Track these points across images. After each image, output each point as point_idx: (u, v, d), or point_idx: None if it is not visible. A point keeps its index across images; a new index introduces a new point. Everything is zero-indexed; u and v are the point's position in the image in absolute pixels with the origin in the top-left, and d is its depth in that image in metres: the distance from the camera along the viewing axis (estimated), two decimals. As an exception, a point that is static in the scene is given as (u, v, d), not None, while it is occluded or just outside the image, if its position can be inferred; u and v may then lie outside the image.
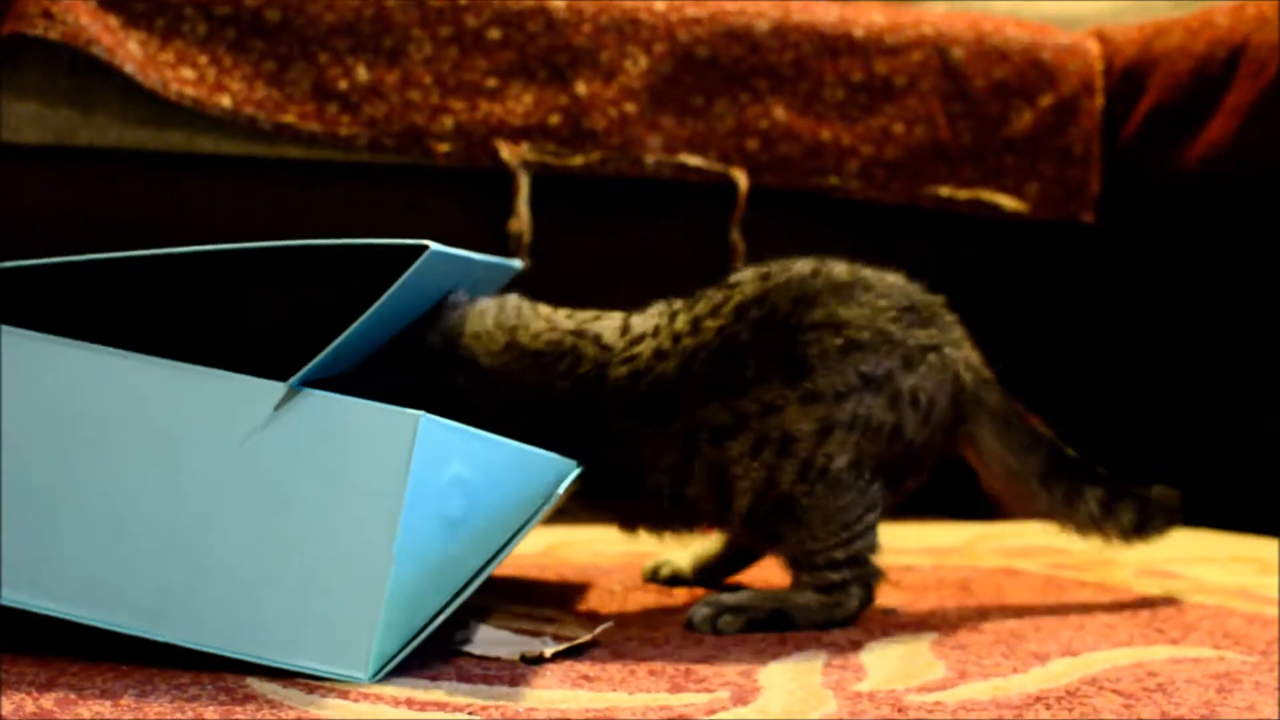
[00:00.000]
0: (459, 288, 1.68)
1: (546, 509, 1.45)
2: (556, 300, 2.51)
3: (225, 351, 1.43)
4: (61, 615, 1.38)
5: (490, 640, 1.51)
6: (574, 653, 1.47)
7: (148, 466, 1.38)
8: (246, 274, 1.48)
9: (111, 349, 1.39)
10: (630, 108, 2.51)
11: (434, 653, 1.45)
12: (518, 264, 1.85)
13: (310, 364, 1.35)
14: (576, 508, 1.72)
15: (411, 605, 1.38)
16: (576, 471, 1.44)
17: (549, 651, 1.44)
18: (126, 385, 1.38)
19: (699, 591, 1.83)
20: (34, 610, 1.38)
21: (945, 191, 2.71)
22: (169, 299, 1.52)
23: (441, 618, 1.40)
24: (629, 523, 1.72)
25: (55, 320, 1.44)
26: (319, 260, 1.43)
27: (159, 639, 1.37)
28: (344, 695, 1.30)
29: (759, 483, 1.60)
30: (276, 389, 1.37)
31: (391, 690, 1.32)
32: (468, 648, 1.47)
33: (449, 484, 1.39)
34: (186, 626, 1.37)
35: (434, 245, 1.36)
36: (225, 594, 1.37)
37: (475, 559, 1.42)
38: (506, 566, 1.84)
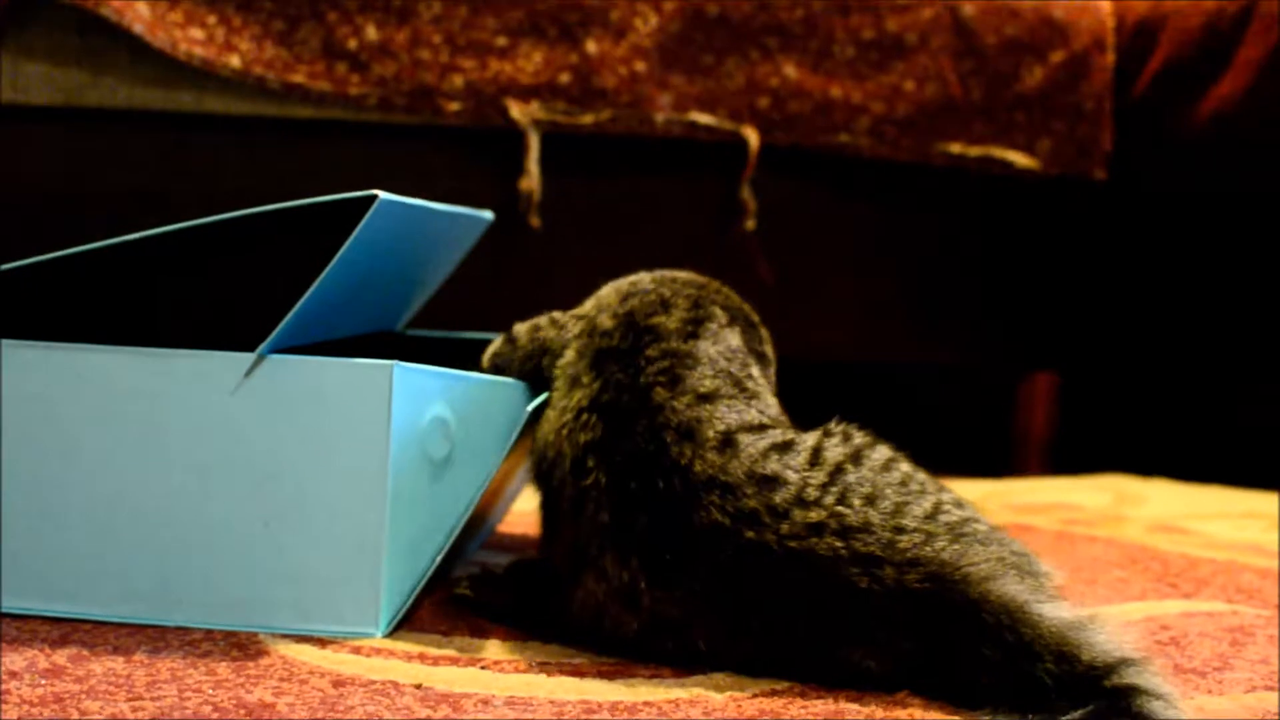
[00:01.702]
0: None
1: (515, 434, 1.44)
2: (566, 259, 2.52)
3: (203, 330, 1.43)
4: (67, 615, 1.38)
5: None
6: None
7: (133, 456, 1.38)
8: (212, 248, 1.48)
9: (82, 345, 1.39)
10: (640, 66, 2.51)
11: (447, 606, 1.46)
12: (488, 215, 1.84)
13: (276, 330, 1.35)
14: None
15: (411, 552, 1.38)
16: (544, 396, 1.43)
17: None
18: (100, 379, 1.38)
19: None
20: (38, 615, 1.38)
21: (956, 149, 2.70)
22: (136, 284, 1.52)
23: (439, 558, 1.40)
24: None
25: (19, 321, 1.44)
26: (282, 225, 1.43)
27: (168, 624, 1.37)
28: (357, 650, 1.30)
29: None
30: (247, 359, 1.37)
31: (404, 645, 1.32)
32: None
33: (430, 426, 1.39)
34: (194, 608, 1.37)
35: (383, 195, 1.35)
36: (228, 570, 1.37)
37: (463, 496, 1.42)
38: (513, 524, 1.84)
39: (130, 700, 1.12)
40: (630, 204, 2.59)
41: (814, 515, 1.21)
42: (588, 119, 2.49)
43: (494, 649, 1.31)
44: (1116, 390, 2.95)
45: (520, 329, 1.52)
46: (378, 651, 1.30)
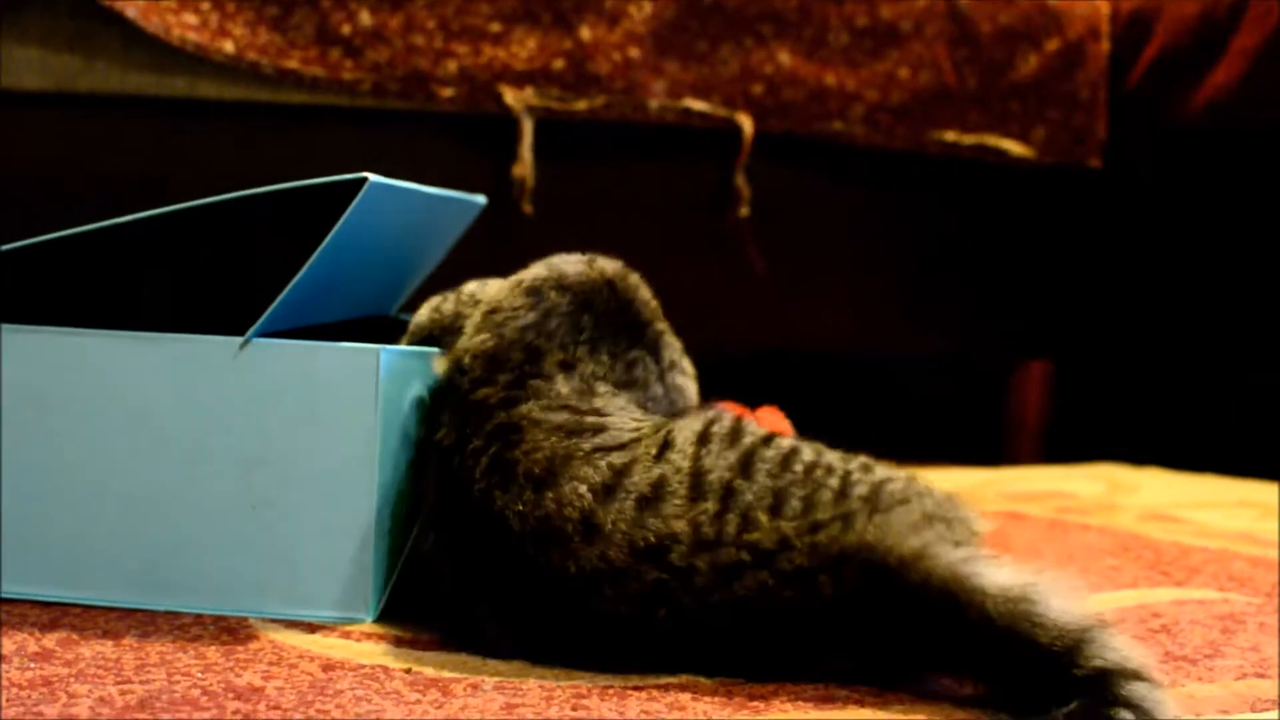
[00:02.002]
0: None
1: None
2: (559, 245, 2.51)
3: (194, 313, 1.43)
4: (58, 600, 1.38)
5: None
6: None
7: (122, 440, 1.38)
8: (203, 231, 1.47)
9: (70, 329, 1.39)
10: (634, 52, 2.50)
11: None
12: (480, 199, 1.83)
13: (265, 313, 1.35)
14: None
15: (394, 535, 1.38)
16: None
17: None
18: (89, 362, 1.38)
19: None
20: (30, 599, 1.38)
21: (951, 137, 2.70)
22: (126, 267, 1.52)
23: (413, 535, 1.40)
24: None
25: (8, 304, 1.44)
26: (274, 209, 1.42)
27: (158, 609, 1.37)
28: (346, 635, 1.30)
29: None
30: (235, 343, 1.36)
31: (394, 630, 1.32)
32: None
33: (410, 408, 1.39)
34: (184, 592, 1.37)
35: (373, 177, 1.35)
36: (217, 554, 1.37)
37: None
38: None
39: (119, 684, 1.12)
40: (623, 191, 2.59)
41: (724, 556, 1.15)
42: (581, 105, 2.49)
43: (516, 641, 1.31)
44: (1110, 379, 2.95)
45: (432, 307, 1.49)
46: (367, 636, 1.30)
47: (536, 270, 1.44)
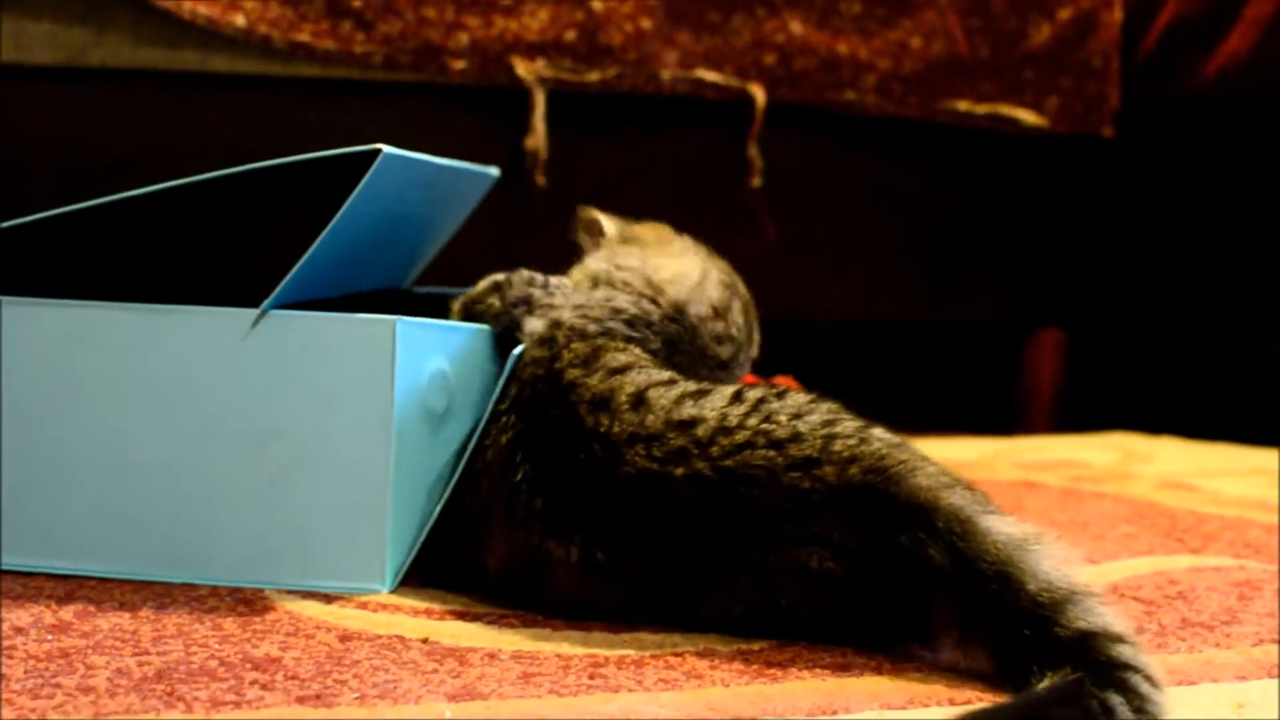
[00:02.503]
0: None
1: (503, 381, 1.43)
2: (572, 217, 2.51)
3: (209, 286, 1.43)
4: (74, 572, 1.38)
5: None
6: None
7: (138, 413, 1.38)
8: (217, 204, 1.47)
9: (86, 302, 1.39)
10: (646, 23, 2.50)
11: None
12: (494, 171, 1.83)
13: (280, 285, 1.35)
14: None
15: (414, 507, 1.38)
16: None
17: None
18: (105, 336, 1.38)
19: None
20: (46, 572, 1.38)
21: (963, 106, 2.69)
22: (140, 240, 1.52)
23: (437, 510, 1.40)
24: None
25: (23, 277, 1.44)
26: (288, 181, 1.42)
27: (175, 581, 1.37)
28: (363, 606, 1.30)
29: None
30: (250, 316, 1.36)
31: (410, 601, 1.32)
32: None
33: (430, 380, 1.39)
34: (199, 564, 1.37)
35: (387, 149, 1.34)
36: (233, 526, 1.37)
37: (457, 448, 1.42)
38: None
39: (136, 655, 1.12)
40: (636, 162, 2.58)
41: (740, 436, 1.22)
42: (594, 77, 2.48)
43: (500, 604, 1.31)
44: (1123, 349, 2.94)
45: (512, 282, 1.50)
46: (384, 607, 1.30)
47: (622, 302, 1.48)
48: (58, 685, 1.03)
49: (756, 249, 2.64)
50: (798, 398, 1.27)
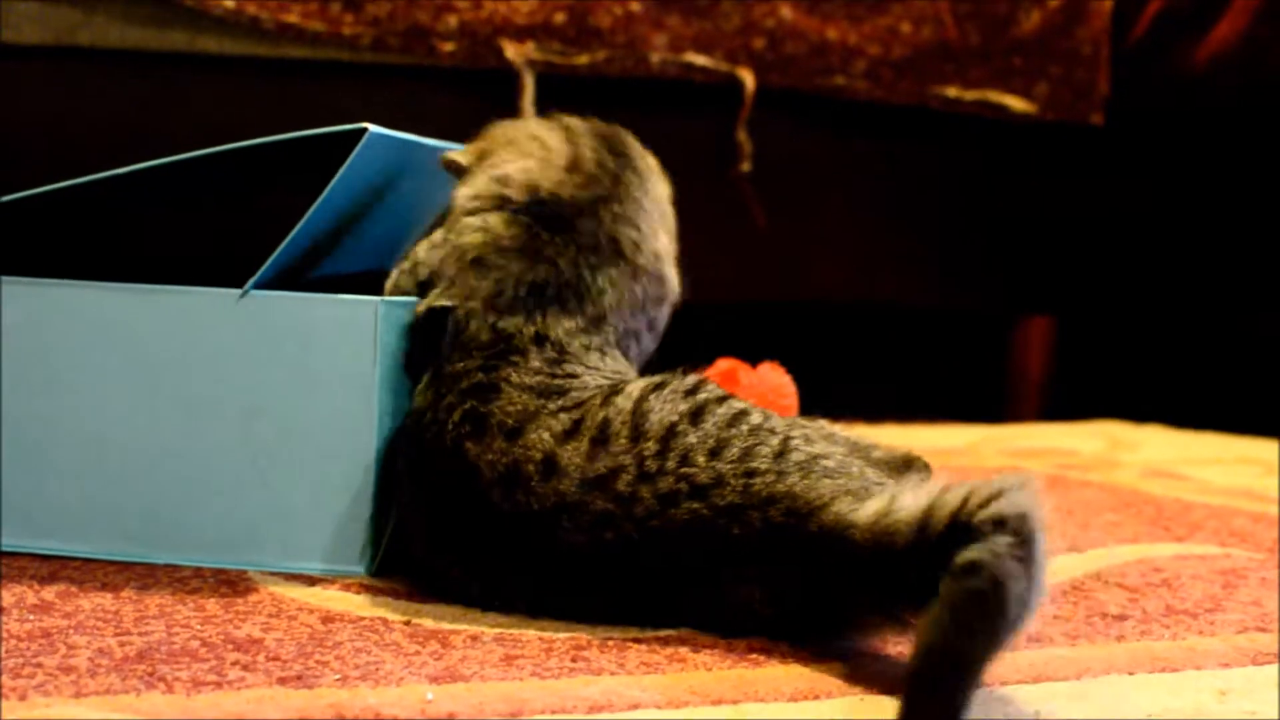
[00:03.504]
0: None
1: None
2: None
3: (193, 265, 1.43)
4: (57, 553, 1.38)
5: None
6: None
7: (121, 393, 1.38)
8: (203, 183, 1.47)
9: (69, 280, 1.39)
10: (635, 6, 2.49)
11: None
12: None
13: (264, 266, 1.35)
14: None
15: (391, 488, 1.38)
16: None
17: None
18: (88, 315, 1.38)
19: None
20: (29, 552, 1.38)
21: (953, 92, 2.69)
22: (125, 219, 1.51)
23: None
24: None
25: (5, 255, 1.43)
26: (274, 161, 1.42)
27: (157, 561, 1.37)
28: (346, 587, 1.30)
29: None
30: (233, 296, 1.36)
31: (393, 583, 1.32)
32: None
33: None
34: (182, 545, 1.37)
35: (373, 128, 1.34)
36: (216, 508, 1.37)
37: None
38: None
39: (118, 635, 1.12)
40: (625, 145, 2.58)
41: (663, 485, 1.18)
42: (583, 60, 2.48)
43: (483, 587, 1.31)
44: (1111, 336, 2.95)
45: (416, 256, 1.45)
46: (366, 589, 1.30)
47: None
48: (39, 665, 1.03)
49: (745, 234, 2.64)
50: (717, 414, 1.22)
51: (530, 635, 1.17)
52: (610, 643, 1.15)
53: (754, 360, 1.68)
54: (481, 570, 1.25)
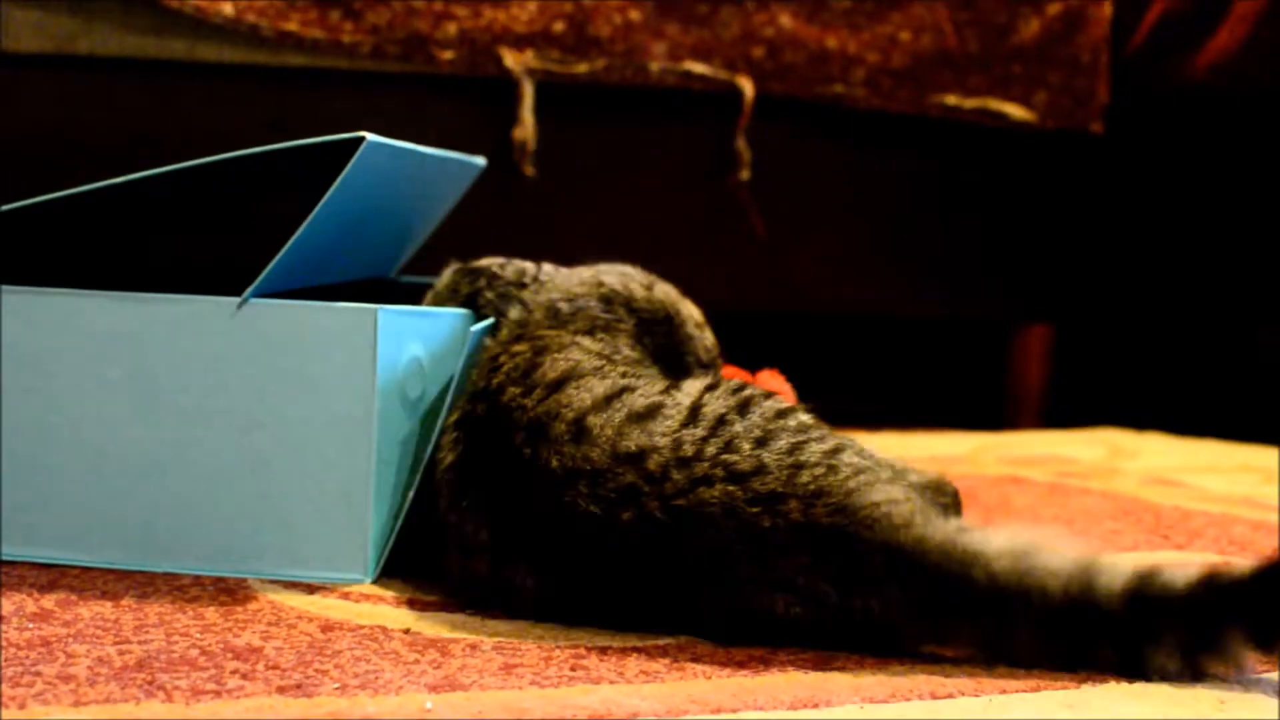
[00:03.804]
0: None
1: (463, 361, 1.43)
2: (560, 208, 2.51)
3: (192, 274, 1.43)
4: (56, 561, 1.38)
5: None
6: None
7: (120, 401, 1.38)
8: (202, 192, 1.47)
9: (68, 289, 1.39)
10: (635, 15, 2.49)
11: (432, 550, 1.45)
12: (480, 161, 1.83)
13: (262, 275, 1.35)
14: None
15: (392, 494, 1.38)
16: (489, 321, 1.44)
17: None
18: (87, 324, 1.38)
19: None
20: (28, 560, 1.38)
21: (952, 100, 2.69)
22: (124, 228, 1.51)
23: (410, 496, 1.40)
24: None
25: (5, 265, 1.43)
26: (273, 169, 1.42)
27: (157, 570, 1.37)
28: (345, 596, 1.30)
29: None
30: (232, 304, 1.36)
31: (392, 591, 1.32)
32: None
33: (407, 367, 1.39)
34: (182, 554, 1.37)
35: (371, 137, 1.34)
36: (215, 516, 1.37)
37: (429, 432, 1.41)
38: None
39: (117, 644, 1.12)
40: (624, 153, 2.58)
41: (699, 469, 1.17)
42: (582, 68, 2.48)
43: (482, 596, 1.31)
44: (1110, 344, 2.94)
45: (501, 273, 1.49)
46: (366, 597, 1.30)
47: (610, 279, 1.48)
48: (38, 673, 1.03)
49: (744, 242, 2.64)
50: (765, 408, 1.22)
51: (529, 644, 1.17)
52: (609, 651, 1.15)
53: (753, 368, 1.68)
54: (497, 524, 1.24)
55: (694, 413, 1.21)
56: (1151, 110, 2.79)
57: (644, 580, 1.19)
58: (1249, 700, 1.08)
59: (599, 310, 1.42)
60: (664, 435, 1.19)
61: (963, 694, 1.07)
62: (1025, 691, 1.08)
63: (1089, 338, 2.98)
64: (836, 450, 1.19)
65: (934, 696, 1.06)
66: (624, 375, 1.29)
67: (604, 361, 1.31)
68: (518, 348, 1.33)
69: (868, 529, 1.14)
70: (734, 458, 1.17)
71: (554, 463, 1.21)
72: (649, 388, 1.26)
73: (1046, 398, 3.00)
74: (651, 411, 1.22)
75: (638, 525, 1.17)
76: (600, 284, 1.46)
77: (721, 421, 1.20)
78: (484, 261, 1.56)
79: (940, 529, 1.14)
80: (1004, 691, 1.07)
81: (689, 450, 1.18)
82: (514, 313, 1.43)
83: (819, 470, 1.16)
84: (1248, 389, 2.68)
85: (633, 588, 1.20)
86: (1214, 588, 1.08)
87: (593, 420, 1.21)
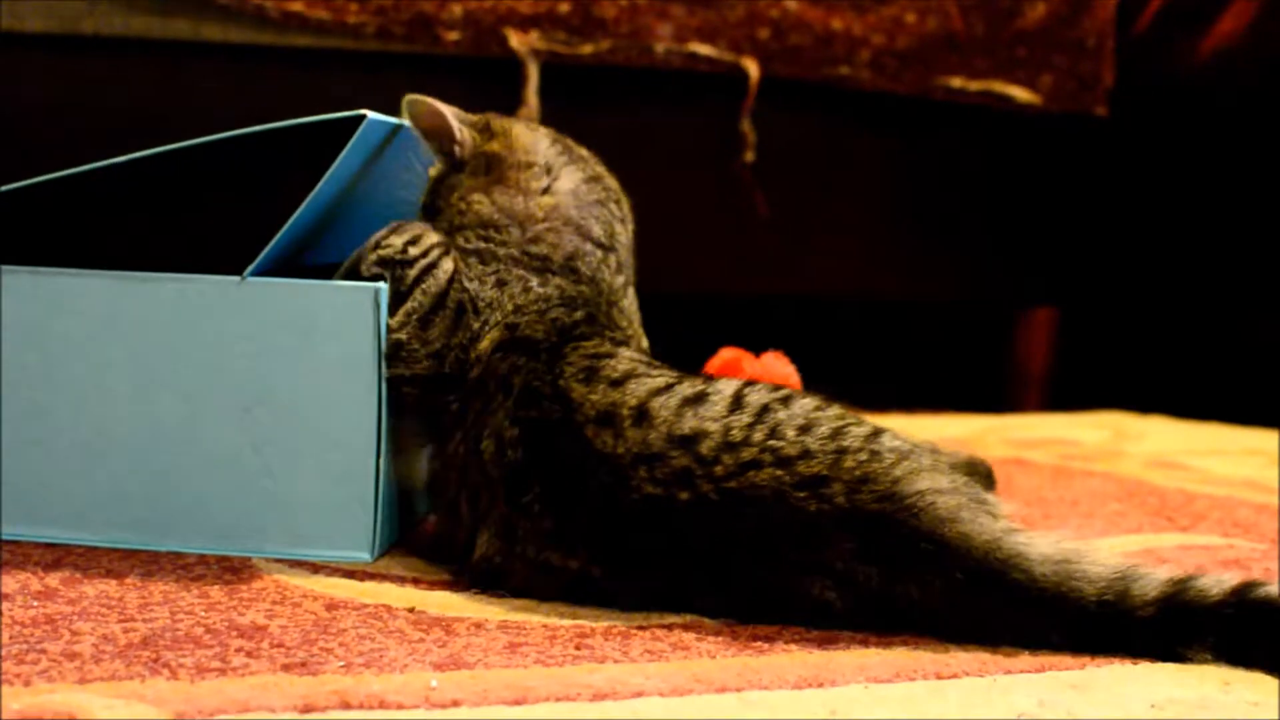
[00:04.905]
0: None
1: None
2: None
3: (194, 253, 1.43)
4: (60, 540, 1.38)
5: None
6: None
7: (123, 381, 1.38)
8: (203, 171, 1.47)
9: (69, 269, 1.39)
10: (640, -4, 2.49)
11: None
12: None
13: (262, 253, 1.35)
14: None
15: (391, 474, 1.39)
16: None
17: None
18: (88, 303, 1.38)
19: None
20: (33, 540, 1.38)
21: (957, 83, 2.69)
22: (125, 207, 1.51)
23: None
24: None
25: (6, 244, 1.43)
26: (274, 148, 1.42)
27: (161, 549, 1.37)
28: (350, 574, 1.30)
29: None
30: (233, 283, 1.36)
31: (397, 570, 1.32)
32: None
33: None
34: (187, 533, 1.37)
35: (371, 114, 1.34)
36: (219, 495, 1.37)
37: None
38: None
39: (122, 621, 1.12)
40: (629, 135, 2.57)
41: (746, 454, 1.19)
42: (587, 49, 2.48)
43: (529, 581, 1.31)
44: (1115, 327, 2.94)
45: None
46: (370, 576, 1.30)
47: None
48: (43, 651, 1.03)
49: (749, 224, 2.64)
50: (804, 403, 1.24)
51: (534, 622, 1.17)
52: (614, 631, 1.15)
53: (757, 350, 1.68)
54: (561, 513, 1.24)
55: (737, 401, 1.23)
56: (1156, 94, 2.79)
57: (691, 560, 1.20)
58: (1253, 680, 1.08)
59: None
60: (714, 420, 1.22)
61: (967, 674, 1.07)
62: (1030, 671, 1.08)
63: (1094, 320, 2.97)
64: (876, 434, 1.21)
65: (939, 676, 1.06)
66: (668, 374, 1.30)
67: (649, 364, 1.32)
68: (574, 357, 1.31)
69: (914, 517, 1.15)
70: (780, 443, 1.19)
71: (620, 449, 1.22)
72: (692, 381, 1.28)
73: (1051, 380, 3.00)
74: (700, 398, 1.24)
75: (694, 506, 1.19)
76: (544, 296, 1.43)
77: (765, 409, 1.22)
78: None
79: (986, 528, 1.15)
80: (1009, 671, 1.08)
81: (737, 435, 1.20)
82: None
83: (862, 456, 1.18)
84: (1252, 372, 2.68)
85: (678, 569, 1.21)
86: (1246, 602, 1.10)
87: (655, 404, 1.23)
